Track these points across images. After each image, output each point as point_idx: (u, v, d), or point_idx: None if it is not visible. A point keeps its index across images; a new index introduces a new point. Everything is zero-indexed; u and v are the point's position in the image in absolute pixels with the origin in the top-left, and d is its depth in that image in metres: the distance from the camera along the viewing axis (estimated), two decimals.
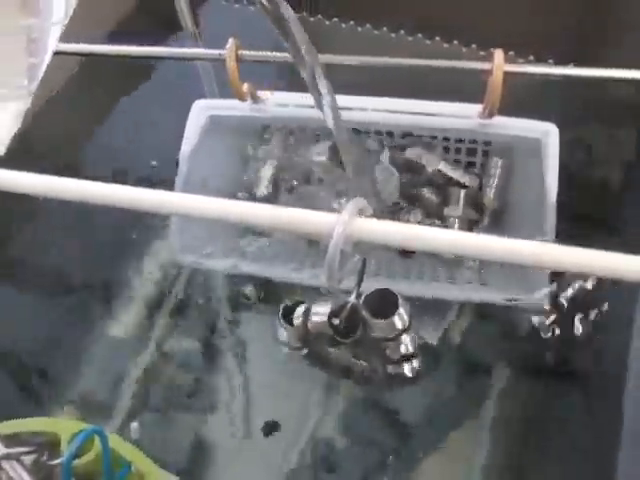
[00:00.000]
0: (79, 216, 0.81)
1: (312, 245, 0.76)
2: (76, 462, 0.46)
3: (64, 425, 0.51)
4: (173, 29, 1.05)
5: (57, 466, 0.44)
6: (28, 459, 0.39)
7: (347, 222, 0.44)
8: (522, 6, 0.89)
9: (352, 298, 0.60)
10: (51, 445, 0.49)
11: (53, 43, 0.32)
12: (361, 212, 0.47)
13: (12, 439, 0.39)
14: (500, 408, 0.68)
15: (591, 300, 0.70)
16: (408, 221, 0.76)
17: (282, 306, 0.65)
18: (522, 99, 0.73)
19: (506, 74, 0.59)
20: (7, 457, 0.35)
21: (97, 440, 0.48)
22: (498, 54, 0.59)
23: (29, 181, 0.50)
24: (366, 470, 0.67)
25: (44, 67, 0.32)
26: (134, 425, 0.68)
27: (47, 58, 0.32)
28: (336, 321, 0.60)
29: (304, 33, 0.38)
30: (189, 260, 0.74)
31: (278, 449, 0.68)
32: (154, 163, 0.89)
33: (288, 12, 0.36)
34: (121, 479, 0.49)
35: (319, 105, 0.42)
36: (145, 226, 0.84)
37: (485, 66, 0.60)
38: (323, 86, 0.41)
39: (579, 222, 0.74)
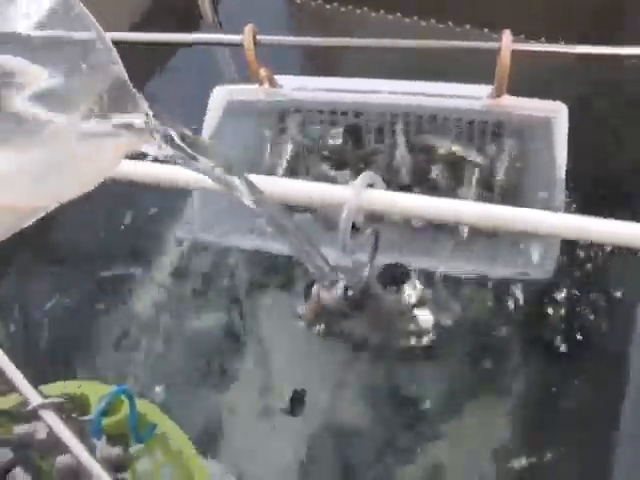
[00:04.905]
0: (103, 195, 0.83)
1: (330, 223, 0.78)
2: (105, 421, 0.49)
3: (93, 388, 0.54)
4: (190, 25, 1.07)
5: (87, 424, 0.46)
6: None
7: (358, 193, 0.46)
8: None
9: (365, 272, 0.62)
10: (81, 406, 0.52)
11: None
12: (372, 185, 0.50)
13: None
14: (514, 384, 0.69)
15: (600, 275, 0.72)
16: None
17: (304, 284, 0.68)
18: (534, 80, 0.74)
19: (514, 53, 0.60)
20: (44, 407, 0.38)
21: (125, 403, 0.51)
22: (506, 34, 0.61)
23: None
24: (379, 445, 0.68)
25: None
26: (158, 389, 0.71)
27: None
28: (350, 295, 0.63)
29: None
30: (209, 238, 0.77)
31: (295, 423, 0.70)
32: None
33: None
34: (146, 439, 0.52)
35: None
36: (167, 205, 0.87)
37: (493, 46, 0.61)
38: None
39: (588, 199, 0.75)
